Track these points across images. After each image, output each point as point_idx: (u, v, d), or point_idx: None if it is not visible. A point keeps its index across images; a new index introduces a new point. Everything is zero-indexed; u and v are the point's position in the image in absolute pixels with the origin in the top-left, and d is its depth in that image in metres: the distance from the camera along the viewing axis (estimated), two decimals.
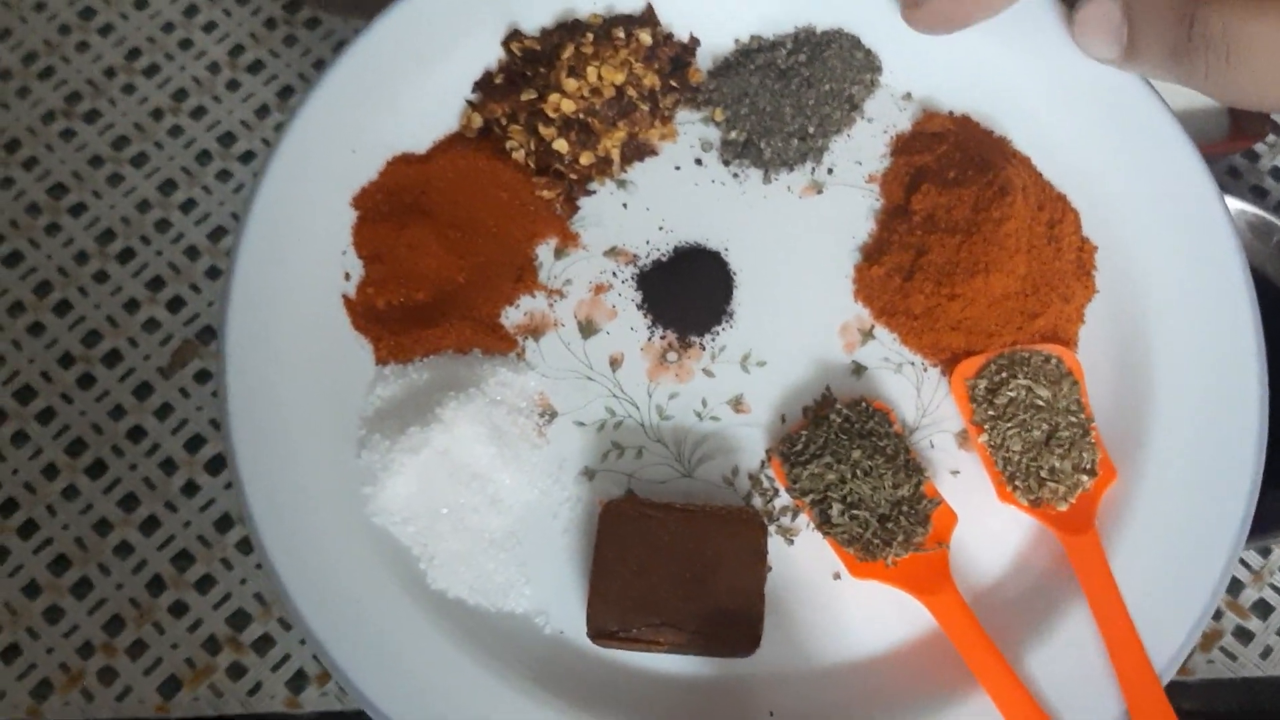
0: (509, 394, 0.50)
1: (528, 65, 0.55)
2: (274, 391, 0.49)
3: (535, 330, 0.52)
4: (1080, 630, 0.46)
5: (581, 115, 0.54)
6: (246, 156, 0.68)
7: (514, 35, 0.56)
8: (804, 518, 0.49)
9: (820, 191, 0.55)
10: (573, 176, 0.54)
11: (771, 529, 0.49)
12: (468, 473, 0.49)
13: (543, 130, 0.54)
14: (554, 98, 0.53)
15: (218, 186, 0.67)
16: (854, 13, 0.56)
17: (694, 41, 0.57)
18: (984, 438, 0.49)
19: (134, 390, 0.62)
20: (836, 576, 0.49)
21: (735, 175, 0.55)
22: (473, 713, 0.45)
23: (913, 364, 0.52)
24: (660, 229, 0.54)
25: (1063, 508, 0.47)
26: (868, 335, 0.52)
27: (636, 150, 0.55)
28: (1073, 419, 0.48)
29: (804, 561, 0.49)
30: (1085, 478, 0.48)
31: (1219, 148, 0.62)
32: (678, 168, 0.55)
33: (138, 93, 0.68)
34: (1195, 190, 0.52)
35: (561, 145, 0.53)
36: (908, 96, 0.56)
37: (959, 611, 0.46)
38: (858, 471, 0.47)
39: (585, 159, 0.54)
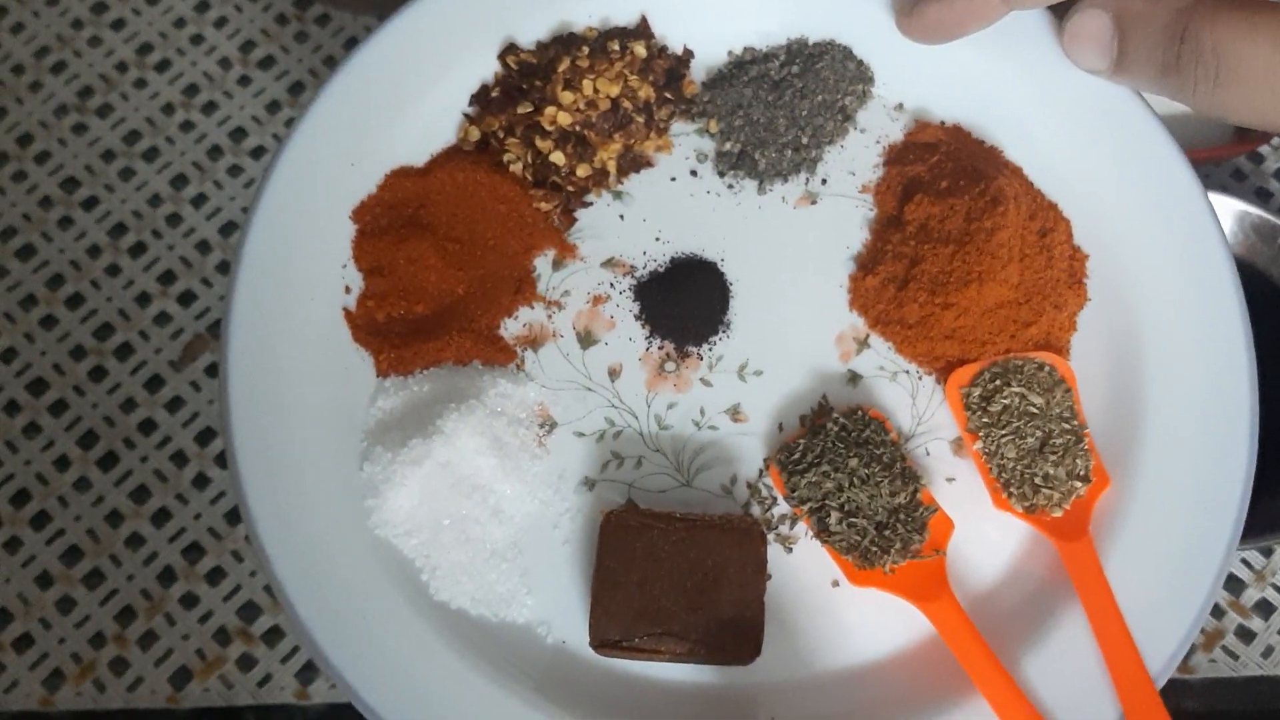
0: (509, 405, 0.51)
1: (524, 79, 0.55)
2: (276, 405, 0.49)
3: (534, 341, 0.53)
4: (1076, 636, 0.46)
5: (578, 128, 0.54)
6: (257, 151, 0.68)
7: (510, 49, 0.56)
8: (803, 526, 0.50)
9: (814, 202, 0.55)
10: (569, 188, 0.55)
11: (770, 537, 0.50)
12: (469, 484, 0.49)
13: (539, 143, 0.54)
14: (550, 110, 0.54)
15: (229, 181, 0.67)
16: (846, 24, 0.57)
17: (688, 54, 0.57)
18: (978, 445, 0.50)
19: (145, 383, 0.62)
20: (835, 584, 0.49)
21: (730, 186, 0.55)
22: None
23: (907, 372, 0.52)
24: (657, 240, 0.55)
25: (1057, 514, 0.48)
26: (863, 344, 0.53)
27: (632, 162, 0.56)
28: (1066, 426, 0.49)
29: (803, 569, 0.49)
30: (1079, 484, 0.48)
31: (1223, 151, 0.62)
32: (673, 179, 0.56)
33: (149, 88, 0.69)
34: (1185, 198, 0.52)
35: (558, 158, 0.54)
36: (900, 107, 0.57)
37: (956, 618, 0.46)
38: (855, 480, 0.48)
39: (582, 171, 0.54)
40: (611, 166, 0.55)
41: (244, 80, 0.69)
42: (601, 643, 0.46)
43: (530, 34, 0.57)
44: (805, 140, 0.55)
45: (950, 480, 0.51)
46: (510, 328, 0.53)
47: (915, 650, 0.48)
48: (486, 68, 0.56)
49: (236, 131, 0.68)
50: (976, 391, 0.50)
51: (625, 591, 0.46)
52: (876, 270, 0.53)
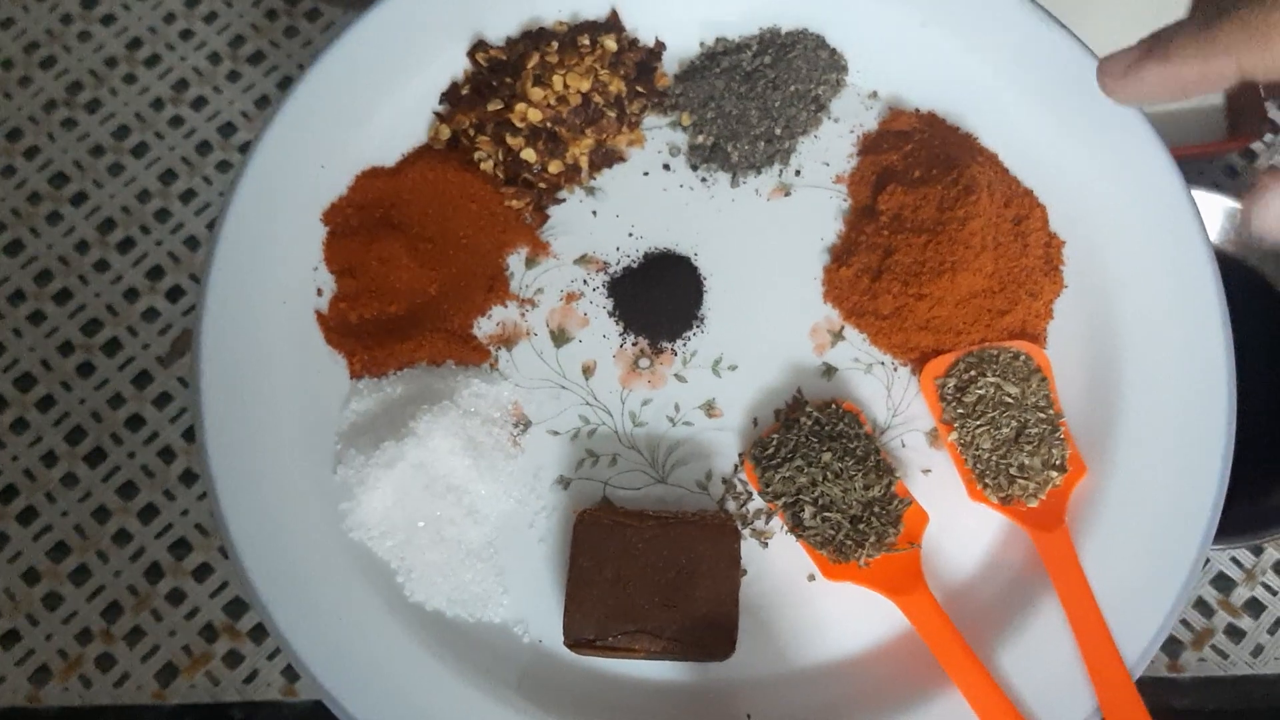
0: (483, 405, 0.51)
1: (493, 75, 0.55)
2: (249, 409, 0.49)
3: (508, 340, 0.53)
4: (1052, 627, 0.46)
5: (548, 124, 0.54)
6: (246, 147, 0.68)
7: (479, 46, 0.56)
8: (778, 521, 0.49)
9: (788, 194, 0.55)
10: (541, 185, 0.54)
11: (745, 532, 0.50)
12: (443, 485, 0.49)
13: (510, 140, 0.54)
14: (520, 107, 0.53)
15: (218, 177, 0.67)
16: (819, 12, 0.56)
17: (659, 46, 0.57)
18: (954, 436, 0.49)
19: (133, 379, 0.62)
20: (811, 578, 0.49)
21: (703, 180, 0.55)
22: None
23: (882, 364, 0.52)
24: (630, 235, 0.54)
25: (1033, 504, 0.48)
26: (837, 336, 0.52)
27: (605, 157, 0.55)
28: (1042, 415, 0.49)
29: (778, 564, 0.49)
30: (1055, 474, 0.48)
31: (1216, 147, 0.61)
32: (646, 173, 0.55)
33: (139, 83, 0.69)
34: (1162, 183, 0.52)
35: (529, 154, 0.54)
36: (874, 95, 0.56)
37: (931, 611, 0.46)
38: (828, 474, 0.48)
39: (554, 167, 0.54)
40: (583, 162, 0.55)
41: (233, 75, 0.69)
42: (576, 641, 0.46)
43: (499, 30, 0.56)
44: (778, 131, 0.55)
45: (926, 472, 0.50)
46: (484, 327, 0.53)
47: (892, 644, 0.48)
48: (456, 65, 0.56)
49: (226, 127, 0.68)
50: (951, 382, 0.50)
51: (599, 590, 0.46)
52: (851, 261, 0.52)
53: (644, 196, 0.55)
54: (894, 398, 0.51)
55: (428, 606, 0.48)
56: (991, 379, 0.49)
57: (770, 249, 0.54)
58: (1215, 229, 0.58)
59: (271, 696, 0.56)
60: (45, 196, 0.66)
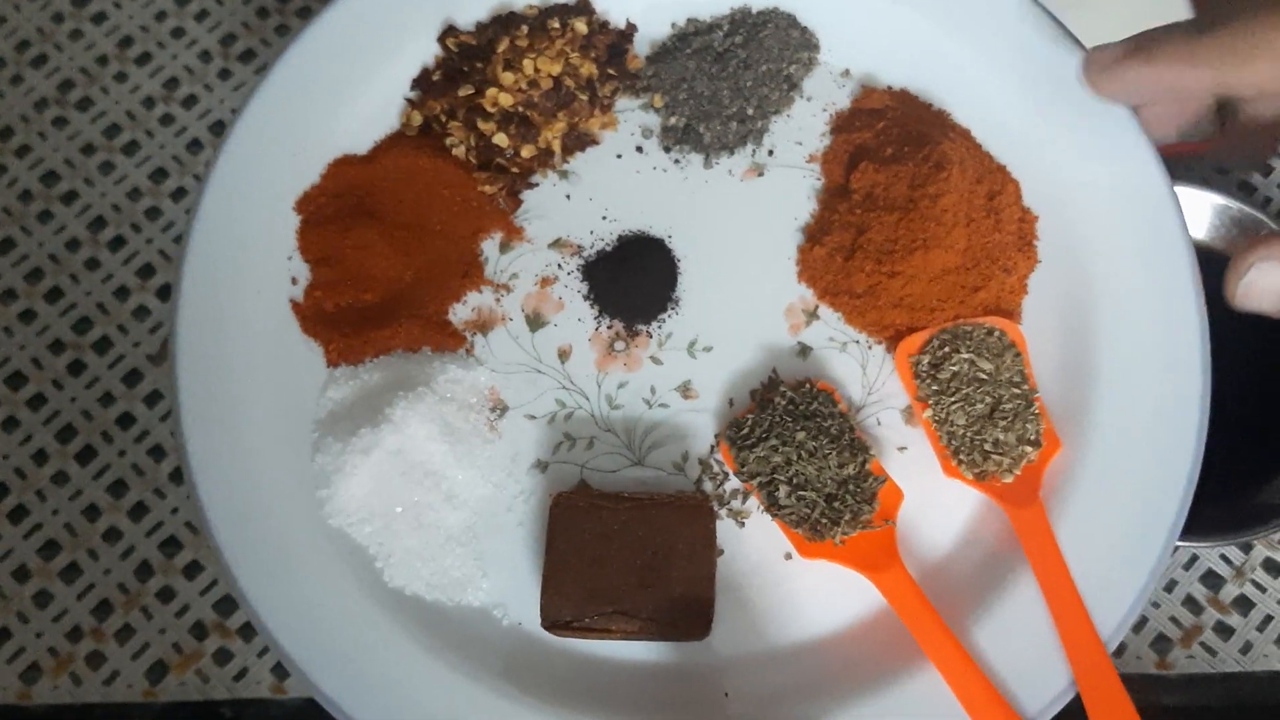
0: (459, 390, 0.51)
1: (464, 60, 0.55)
2: (227, 399, 0.50)
3: (483, 325, 0.53)
4: (1027, 603, 0.46)
5: (520, 108, 0.54)
6: None
7: (449, 31, 0.55)
8: (754, 501, 0.50)
9: (761, 174, 0.55)
10: (514, 170, 0.54)
11: (722, 512, 0.50)
12: (421, 470, 0.49)
13: (482, 125, 0.54)
14: (491, 92, 0.53)
15: None
16: None
17: (630, 28, 0.57)
18: (928, 413, 0.49)
19: (124, 377, 0.62)
20: (788, 557, 0.49)
21: (676, 161, 0.55)
22: (436, 707, 0.46)
23: (857, 342, 0.52)
24: (604, 219, 0.54)
25: (1008, 480, 0.48)
26: (812, 316, 0.52)
27: (577, 140, 0.55)
28: (1016, 391, 0.49)
29: (755, 543, 0.49)
30: (1030, 449, 0.48)
31: (1208, 145, 0.60)
32: (619, 156, 0.55)
33: (130, 81, 0.69)
34: (1134, 155, 0.52)
35: (501, 139, 0.54)
36: (846, 73, 0.56)
37: (906, 588, 0.46)
38: (803, 453, 0.48)
39: (526, 152, 0.54)
40: (556, 146, 0.55)
41: (224, 74, 0.69)
42: (553, 623, 0.46)
43: (469, 15, 0.56)
44: (750, 111, 0.55)
45: (902, 449, 0.50)
46: (459, 312, 0.53)
47: (868, 621, 0.48)
48: (427, 51, 0.56)
49: (217, 125, 0.68)
50: (925, 359, 0.50)
51: (576, 572, 0.46)
52: (824, 240, 0.52)
53: (617, 179, 0.55)
54: (869, 376, 0.52)
55: (407, 591, 0.49)
56: (965, 355, 0.49)
57: (744, 229, 0.54)
58: (1205, 226, 0.57)
59: (261, 694, 0.57)
60: (36, 195, 0.66)
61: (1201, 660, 0.56)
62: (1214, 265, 0.54)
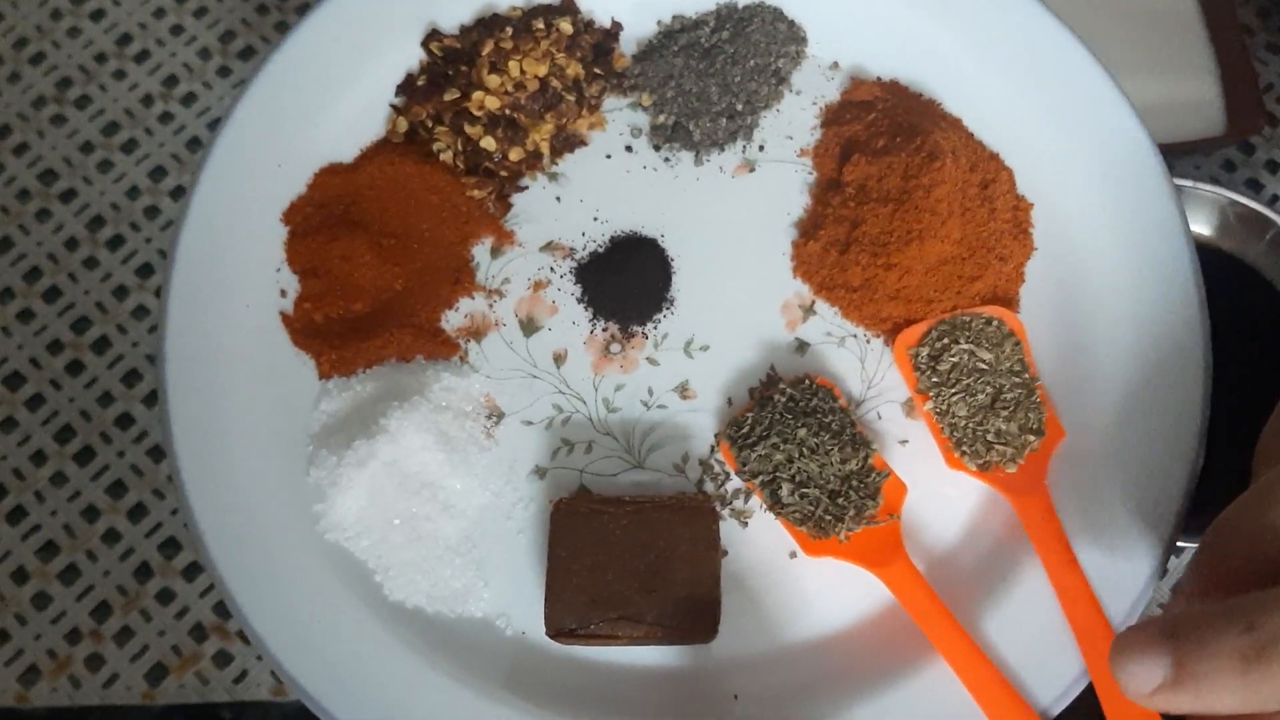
0: (454, 398, 0.50)
1: (449, 64, 0.54)
2: (218, 415, 0.49)
3: (477, 332, 0.52)
4: (1036, 592, 0.46)
5: (507, 111, 0.53)
6: None
7: (433, 35, 0.55)
8: (757, 500, 0.49)
9: (753, 170, 0.54)
10: (503, 173, 0.54)
11: (725, 513, 0.49)
12: (417, 481, 0.49)
13: (469, 129, 0.53)
14: (477, 95, 0.53)
15: None
16: None
17: (616, 26, 0.56)
18: (929, 405, 0.49)
19: (122, 377, 0.62)
20: (793, 555, 0.49)
21: (666, 160, 0.54)
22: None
23: (855, 336, 0.51)
24: (595, 220, 0.54)
25: (1011, 470, 0.47)
26: (809, 311, 0.52)
27: (566, 142, 0.55)
28: (1017, 380, 0.48)
29: (759, 543, 0.49)
30: (1032, 438, 0.48)
31: (1214, 142, 0.60)
32: (609, 156, 0.55)
33: (128, 79, 0.68)
34: (1128, 138, 0.51)
35: (489, 143, 0.53)
36: (835, 66, 0.56)
37: (913, 582, 0.46)
38: (804, 450, 0.47)
39: (514, 155, 0.53)
40: (544, 148, 0.54)
41: (224, 71, 0.68)
42: (558, 631, 0.46)
43: (453, 18, 0.55)
44: (740, 107, 0.54)
45: (903, 443, 0.50)
46: (452, 320, 0.52)
47: (876, 617, 0.48)
48: (410, 56, 0.55)
49: (216, 123, 0.66)
50: (924, 351, 0.49)
51: (578, 579, 0.46)
52: (818, 235, 0.52)
53: (607, 180, 0.54)
54: (868, 370, 0.51)
55: (408, 604, 0.48)
56: (965, 345, 0.49)
57: (737, 226, 0.53)
58: (1211, 223, 0.56)
59: (261, 697, 0.56)
60: (34, 194, 0.65)
61: None
62: (1220, 263, 0.54)
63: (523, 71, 0.53)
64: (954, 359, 0.49)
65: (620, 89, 0.56)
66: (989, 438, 0.48)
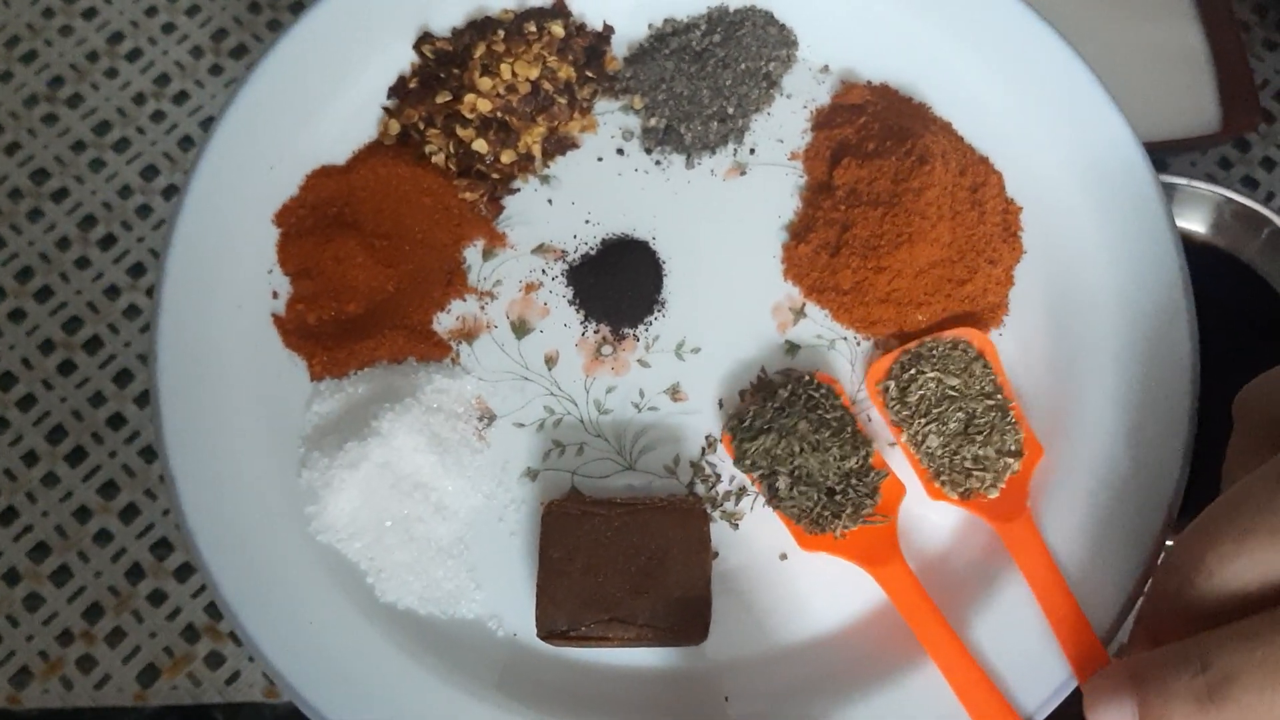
0: (446, 400, 0.50)
1: (441, 67, 0.54)
2: (210, 417, 0.49)
3: (468, 334, 0.52)
4: (1025, 598, 0.46)
5: (499, 114, 0.53)
6: None
7: (425, 37, 0.55)
8: (748, 502, 0.49)
9: (744, 173, 0.54)
10: (495, 176, 0.54)
11: (716, 514, 0.49)
12: (410, 483, 0.49)
13: (461, 132, 0.53)
14: (469, 98, 0.53)
15: None
16: None
17: (608, 29, 0.56)
18: (904, 438, 0.49)
19: (114, 377, 0.62)
20: (784, 557, 0.49)
21: (658, 162, 0.55)
22: None
23: (845, 339, 0.52)
24: (587, 222, 0.54)
25: (994, 495, 0.47)
26: (799, 314, 0.52)
27: (558, 144, 0.55)
28: (990, 403, 0.48)
29: (750, 545, 0.49)
30: (1011, 460, 0.47)
31: (1209, 139, 0.60)
32: (600, 159, 0.55)
33: (120, 77, 0.68)
34: (1117, 142, 0.52)
35: (481, 145, 0.53)
36: (826, 69, 0.56)
37: (907, 582, 0.46)
38: (804, 445, 0.47)
39: (506, 157, 0.54)
40: (536, 150, 0.54)
41: (216, 69, 0.68)
42: (549, 633, 0.46)
43: (445, 21, 0.56)
44: (731, 110, 0.54)
45: (893, 444, 0.50)
46: (444, 321, 0.52)
47: (867, 619, 0.48)
48: (403, 59, 0.55)
49: (208, 121, 0.67)
50: (892, 384, 0.49)
51: (570, 580, 0.46)
52: (809, 238, 0.52)
53: (599, 182, 0.54)
54: (858, 373, 0.51)
55: (400, 606, 0.48)
56: (931, 374, 0.48)
57: (728, 229, 0.53)
58: (1207, 221, 0.56)
59: (253, 698, 0.56)
60: (26, 193, 0.65)
61: None
62: (1216, 260, 0.54)
63: (514, 74, 0.53)
64: (921, 390, 0.48)
65: (612, 92, 0.56)
66: (967, 465, 0.47)
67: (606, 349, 0.52)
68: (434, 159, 0.54)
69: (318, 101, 0.54)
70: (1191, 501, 0.46)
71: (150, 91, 0.68)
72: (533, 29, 0.54)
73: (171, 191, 0.65)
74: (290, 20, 0.54)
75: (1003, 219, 0.52)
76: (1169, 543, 0.47)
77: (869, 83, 0.55)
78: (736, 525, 0.49)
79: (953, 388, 0.48)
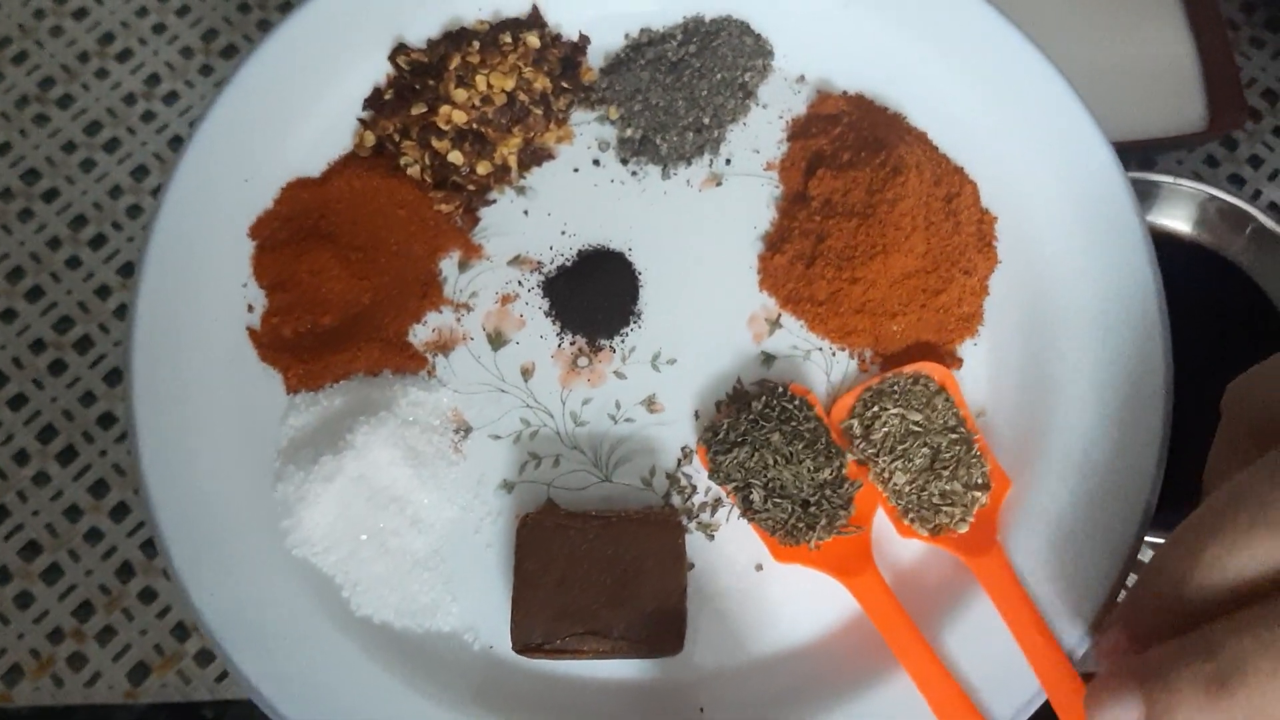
0: (421, 413, 0.50)
1: (416, 79, 0.54)
2: (185, 430, 0.49)
3: (444, 346, 0.52)
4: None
5: (474, 125, 0.53)
6: None
7: (400, 49, 0.55)
8: (724, 513, 0.49)
9: (720, 183, 0.54)
10: (470, 187, 0.54)
11: (691, 525, 0.49)
12: (386, 496, 0.49)
13: (436, 143, 0.53)
14: (444, 110, 0.53)
15: None
16: None
17: (584, 40, 0.56)
18: (871, 475, 0.48)
19: (105, 376, 0.62)
20: (759, 568, 0.49)
21: (634, 173, 0.55)
22: None
23: (821, 350, 0.52)
24: (563, 233, 0.54)
25: (963, 529, 0.47)
26: (775, 324, 0.52)
27: (534, 155, 0.55)
28: (954, 436, 0.48)
29: (726, 556, 0.49)
30: (979, 494, 0.47)
31: (1196, 137, 0.60)
32: (576, 170, 0.55)
33: (111, 77, 0.68)
34: (1091, 152, 0.52)
35: (456, 157, 0.53)
36: (801, 79, 0.56)
37: (880, 592, 0.46)
38: (778, 457, 0.47)
39: (482, 169, 0.54)
40: (512, 161, 0.54)
41: (206, 70, 0.68)
42: (524, 646, 0.46)
43: (420, 32, 0.56)
44: (706, 120, 0.54)
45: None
46: (419, 334, 0.52)
47: (841, 630, 0.48)
48: (378, 70, 0.55)
49: (192, 127, 0.67)
50: (855, 423, 0.49)
51: (545, 593, 0.46)
52: (784, 249, 0.52)
53: (575, 193, 0.54)
54: (833, 383, 0.51)
55: (376, 619, 0.48)
56: (893, 411, 0.48)
57: (704, 240, 0.54)
58: (1192, 219, 0.56)
59: (243, 695, 0.56)
60: (17, 194, 0.65)
61: None
62: (1201, 258, 0.54)
63: (490, 85, 0.53)
64: (885, 427, 0.48)
65: (588, 102, 0.56)
66: (935, 500, 0.47)
67: (583, 360, 0.52)
68: (409, 171, 0.54)
69: (293, 113, 0.53)
70: (1166, 505, 0.46)
71: (140, 92, 0.68)
72: (508, 40, 0.54)
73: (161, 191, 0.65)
74: (275, 23, 0.54)
75: (978, 229, 0.52)
76: (1142, 557, 0.47)
77: (845, 93, 0.55)
78: (712, 536, 0.49)
79: (916, 423, 0.48)
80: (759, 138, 0.55)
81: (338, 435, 0.49)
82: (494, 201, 0.54)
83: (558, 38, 0.56)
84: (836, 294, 0.51)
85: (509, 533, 0.49)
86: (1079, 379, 0.49)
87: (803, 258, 0.52)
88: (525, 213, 0.54)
